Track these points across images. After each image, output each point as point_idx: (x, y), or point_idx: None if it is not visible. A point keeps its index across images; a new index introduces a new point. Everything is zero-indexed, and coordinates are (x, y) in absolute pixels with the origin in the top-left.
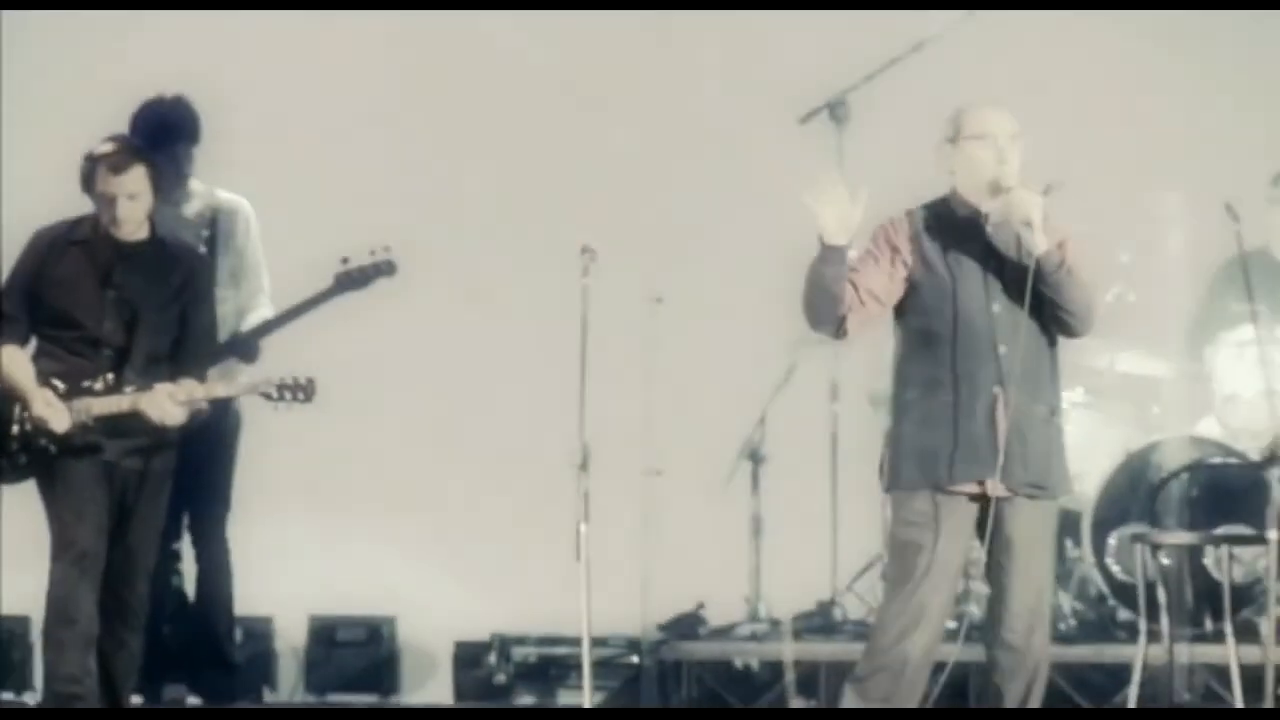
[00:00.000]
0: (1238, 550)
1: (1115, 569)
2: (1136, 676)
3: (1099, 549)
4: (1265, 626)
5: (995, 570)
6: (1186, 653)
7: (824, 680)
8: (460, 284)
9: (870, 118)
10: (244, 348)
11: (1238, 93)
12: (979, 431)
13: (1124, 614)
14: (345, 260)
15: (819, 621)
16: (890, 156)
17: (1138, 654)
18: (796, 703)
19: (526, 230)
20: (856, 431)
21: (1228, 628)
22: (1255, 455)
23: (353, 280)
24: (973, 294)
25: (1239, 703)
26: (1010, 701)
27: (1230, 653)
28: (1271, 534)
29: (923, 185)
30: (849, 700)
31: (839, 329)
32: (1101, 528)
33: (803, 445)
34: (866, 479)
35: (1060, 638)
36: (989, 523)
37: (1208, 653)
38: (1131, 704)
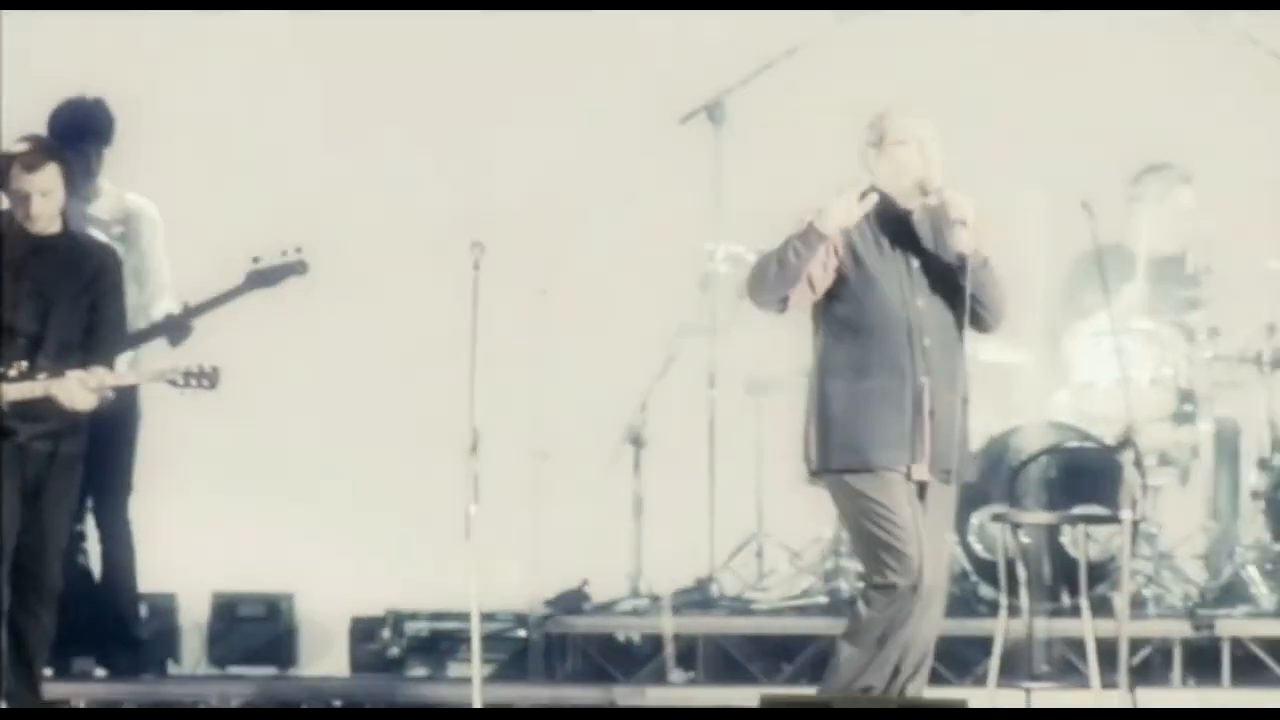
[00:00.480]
0: (1093, 529)
1: (977, 547)
2: (998, 649)
3: (962, 528)
4: (1119, 601)
5: None
6: (1045, 627)
7: (702, 653)
8: (357, 277)
9: (748, 119)
10: (176, 330)
11: (1099, 92)
12: (907, 419)
13: (986, 590)
14: (256, 260)
15: (697, 597)
16: (765, 156)
17: (999, 628)
18: (675, 675)
19: (417, 224)
20: (733, 417)
21: (1084, 603)
22: (1110, 440)
23: (264, 278)
24: (898, 289)
25: (1094, 674)
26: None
27: (1086, 627)
28: (1125, 514)
29: (798, 183)
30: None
31: (783, 305)
32: (964, 508)
33: (682, 430)
34: (743, 462)
35: None
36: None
37: (1065, 627)
38: (993, 675)
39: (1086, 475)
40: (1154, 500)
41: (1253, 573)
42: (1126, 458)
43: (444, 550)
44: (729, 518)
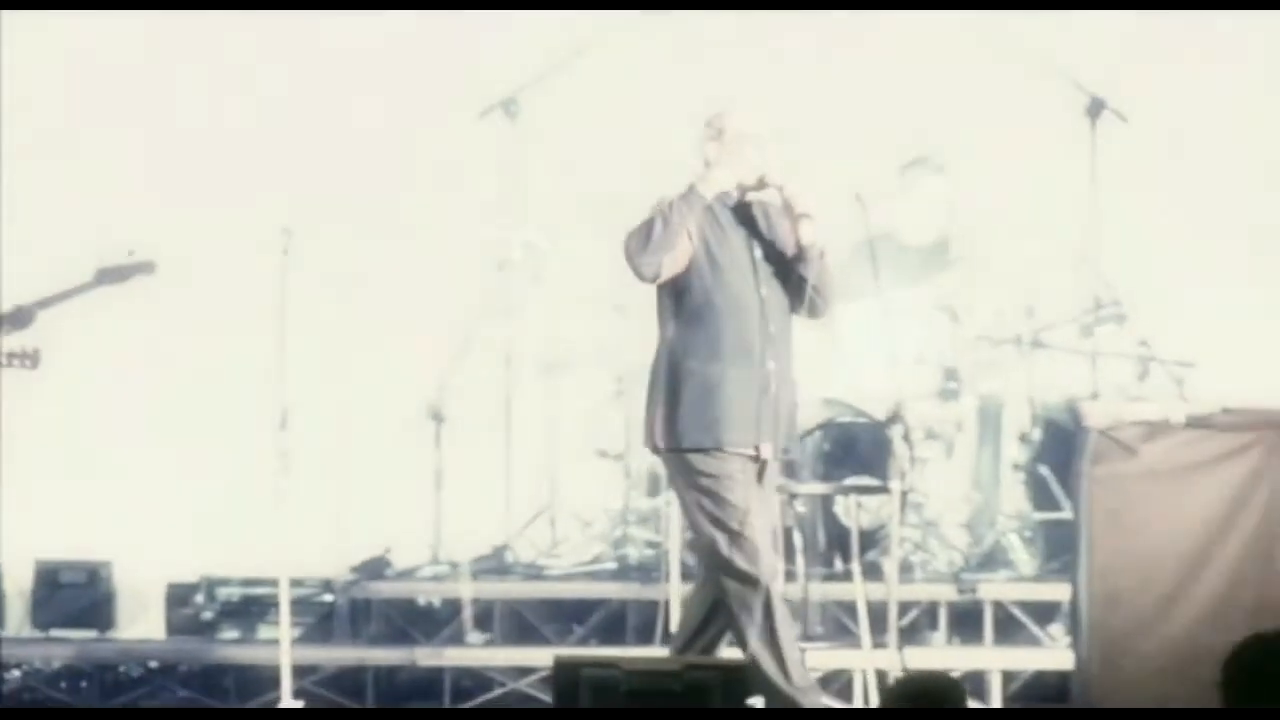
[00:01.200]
0: (864, 499)
1: None
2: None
3: None
4: (888, 566)
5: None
6: (819, 591)
7: (498, 616)
8: (177, 260)
9: (544, 114)
10: (18, 320)
11: (874, 88)
12: (756, 401)
13: None
14: (105, 258)
15: (493, 564)
16: (559, 148)
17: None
18: (473, 636)
19: (231, 209)
20: (528, 395)
21: (856, 568)
22: (880, 415)
23: (112, 275)
24: (744, 277)
25: (865, 635)
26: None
27: (858, 590)
28: (894, 484)
29: (589, 175)
30: (761, 650)
31: (658, 271)
32: None
33: (479, 407)
34: (536, 438)
35: None
36: (763, 481)
37: (838, 590)
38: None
39: (858, 448)
40: (921, 472)
41: (1013, 540)
42: (895, 432)
43: (255, 520)
44: (523, 489)
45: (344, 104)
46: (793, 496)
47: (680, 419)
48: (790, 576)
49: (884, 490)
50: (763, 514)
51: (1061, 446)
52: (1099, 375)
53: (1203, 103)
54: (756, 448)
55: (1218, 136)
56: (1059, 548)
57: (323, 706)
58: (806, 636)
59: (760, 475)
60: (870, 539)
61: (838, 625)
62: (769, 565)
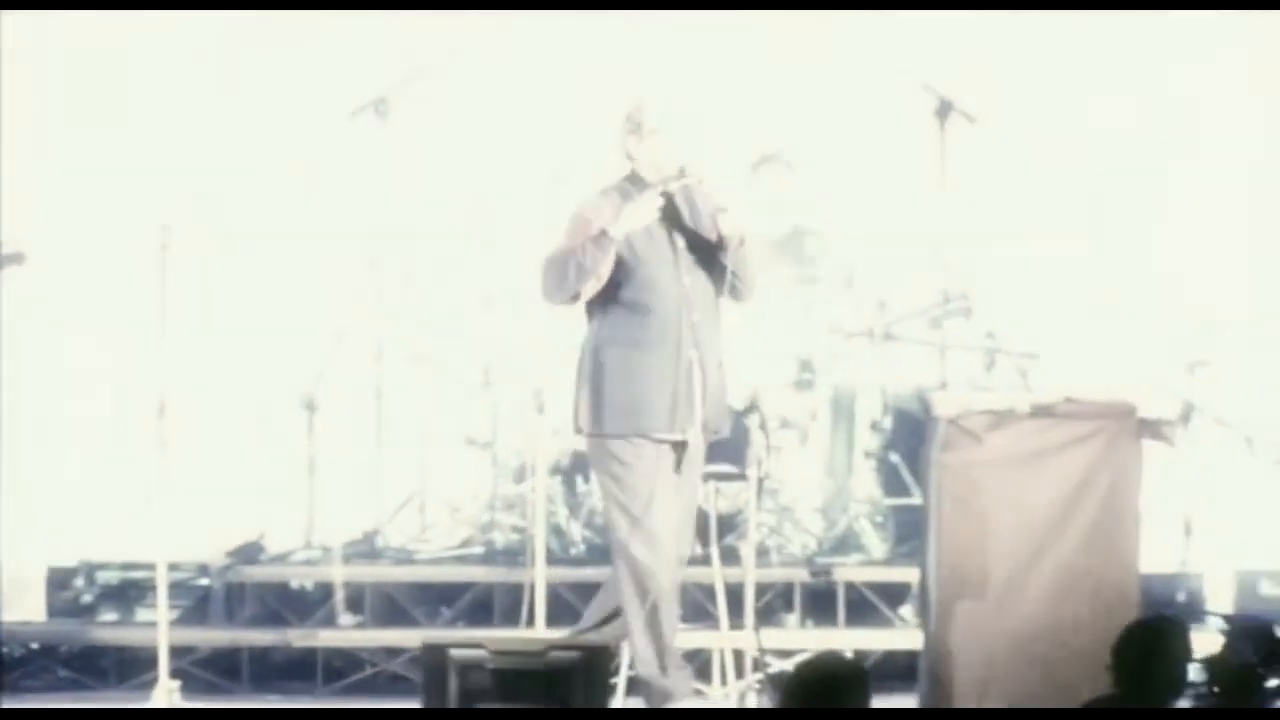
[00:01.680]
0: (723, 485)
1: None
2: (607, 595)
3: None
4: (745, 551)
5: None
6: (680, 573)
7: (369, 599)
8: (64, 254)
9: (416, 113)
10: None
11: (727, 87)
12: (680, 389)
13: None
14: None
15: (364, 549)
16: (430, 148)
17: (623, 576)
18: (345, 618)
19: (110, 207)
20: (398, 386)
21: (714, 552)
22: (737, 405)
23: None
24: (665, 267)
25: (723, 616)
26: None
27: (716, 573)
28: (751, 471)
29: (460, 174)
30: (640, 635)
31: (576, 299)
32: None
33: (351, 397)
34: (406, 426)
35: (571, 561)
36: (681, 465)
37: (698, 574)
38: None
39: (717, 438)
40: (777, 459)
41: (865, 524)
42: (752, 421)
43: (134, 506)
44: (394, 477)
45: (220, 101)
46: None
47: (602, 406)
48: None
49: (741, 477)
50: (677, 501)
51: (911, 435)
52: (947, 366)
53: (1045, 103)
54: (679, 433)
55: (1061, 136)
56: (909, 532)
57: (321, 707)
58: None
59: (680, 461)
60: (728, 524)
61: (697, 607)
62: (668, 556)
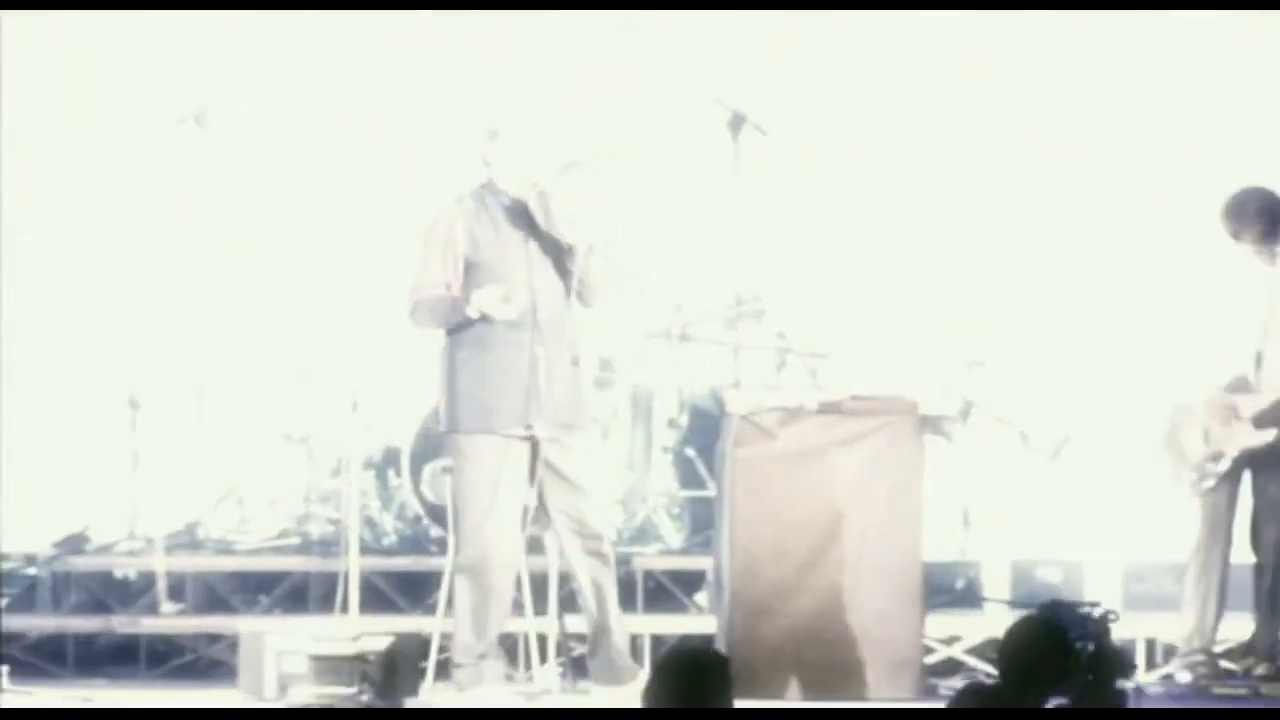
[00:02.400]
0: None
1: (430, 495)
2: (446, 583)
3: (416, 478)
4: (550, 541)
5: (557, 498)
6: None
7: (190, 588)
8: None
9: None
10: None
11: (543, 91)
12: (524, 384)
13: (436, 531)
14: None
15: (186, 539)
16: (247, 159)
17: (447, 564)
18: (167, 606)
19: None
20: (219, 383)
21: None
22: None
23: None
24: (516, 270)
25: (528, 603)
26: (612, 597)
27: (521, 563)
28: None
29: (273, 183)
30: (464, 625)
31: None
32: (417, 461)
33: (173, 394)
34: (226, 422)
35: (383, 551)
36: (537, 460)
37: None
38: (441, 605)
39: None
40: None
41: (662, 516)
42: None
43: None
44: (214, 471)
45: (40, 101)
46: None
47: (456, 404)
48: None
49: None
50: (518, 495)
51: (707, 430)
52: (740, 366)
53: (837, 111)
54: (527, 428)
55: (850, 142)
56: (704, 523)
57: (321, 707)
58: None
59: (533, 455)
60: (533, 516)
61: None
62: (506, 553)
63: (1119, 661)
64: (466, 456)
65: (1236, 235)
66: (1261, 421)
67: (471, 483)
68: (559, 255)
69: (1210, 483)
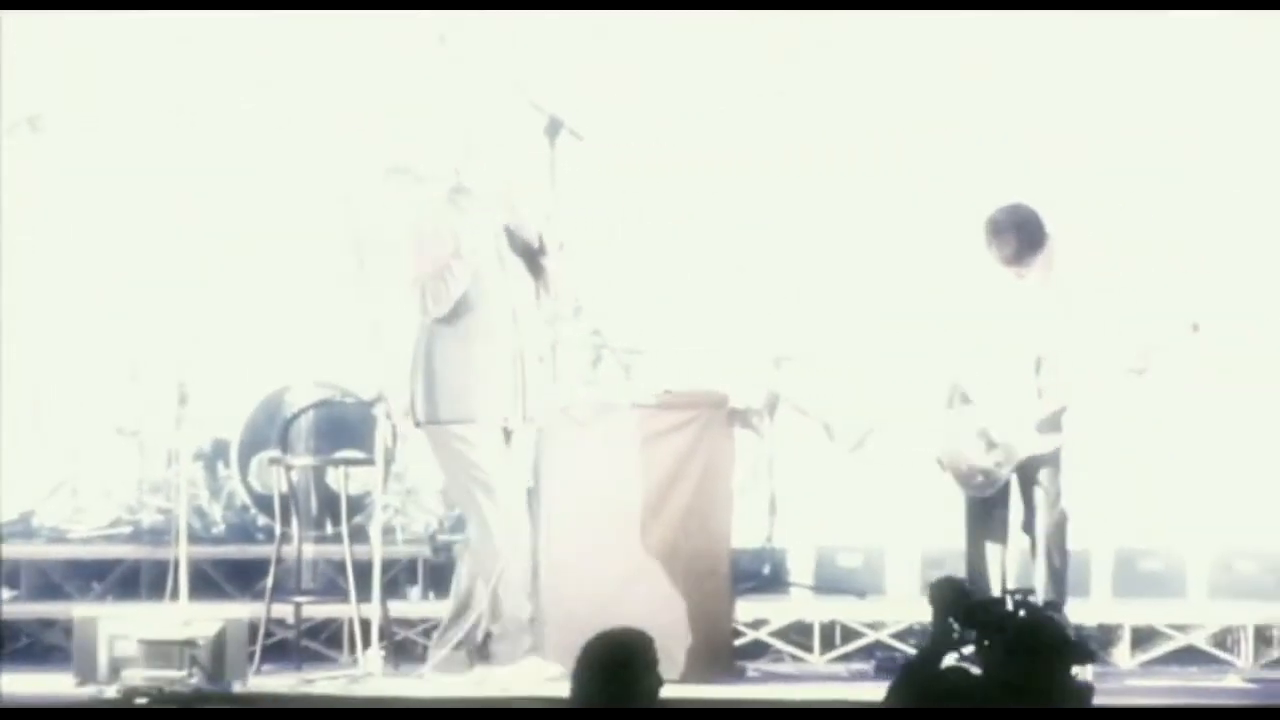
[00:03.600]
0: (352, 470)
1: (256, 485)
2: (272, 570)
3: (244, 469)
4: (373, 530)
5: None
6: (312, 551)
7: (24, 575)
8: None
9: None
10: None
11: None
12: (507, 379)
13: (263, 520)
14: None
15: (20, 528)
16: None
17: (273, 552)
18: (5, 593)
19: None
20: (54, 377)
21: (344, 531)
22: (366, 396)
23: None
24: (492, 266)
25: (352, 589)
26: None
27: (346, 551)
28: (378, 457)
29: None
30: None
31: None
32: (245, 452)
33: (8, 387)
34: (61, 415)
35: (212, 539)
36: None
37: (329, 551)
38: (269, 591)
39: (347, 425)
40: (402, 446)
41: None
42: (380, 410)
43: None
44: (49, 462)
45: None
46: (289, 468)
47: (436, 395)
48: (287, 539)
49: (369, 462)
50: (512, 480)
51: None
52: (558, 361)
53: (652, 115)
54: (505, 419)
55: (662, 145)
56: None
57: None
58: (300, 591)
59: (508, 444)
60: (357, 505)
61: (329, 581)
62: (515, 530)
63: (1055, 641)
64: (465, 440)
65: (988, 246)
66: (1044, 428)
67: (475, 465)
68: (528, 255)
69: (991, 491)
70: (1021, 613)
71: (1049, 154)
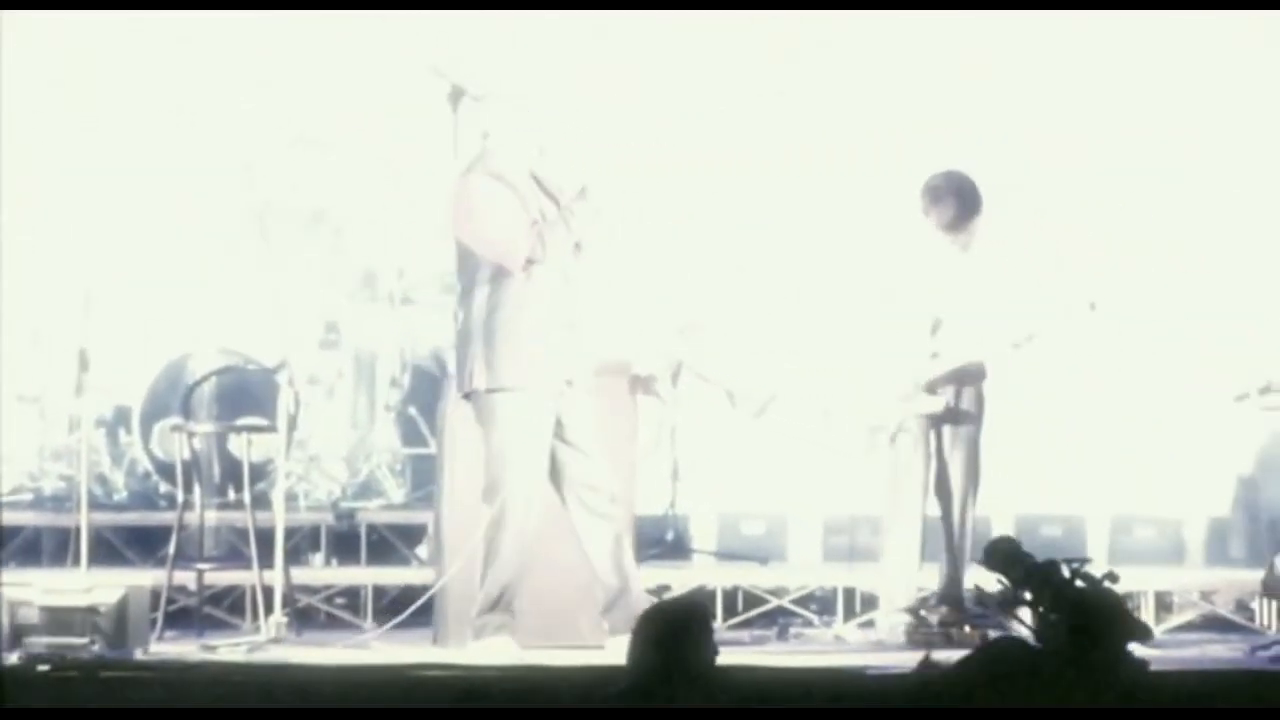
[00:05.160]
0: (255, 437)
1: (159, 453)
2: (174, 537)
3: (146, 436)
4: (276, 496)
5: (569, 459)
6: (214, 518)
7: None
8: None
9: None
10: None
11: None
12: (557, 343)
13: (165, 487)
14: None
15: None
16: None
17: (176, 519)
18: None
19: None
20: None
21: (247, 498)
22: (268, 363)
23: None
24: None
25: (254, 556)
26: (628, 554)
27: (248, 517)
28: (280, 424)
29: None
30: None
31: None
32: (147, 420)
33: None
34: None
35: (114, 506)
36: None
37: (231, 517)
38: (170, 558)
39: (249, 392)
40: (305, 413)
41: (385, 472)
42: (282, 378)
43: None
44: None
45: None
46: (191, 435)
47: (494, 364)
48: (190, 505)
49: (272, 429)
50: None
51: (428, 390)
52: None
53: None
54: (558, 386)
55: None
56: (425, 479)
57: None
58: (203, 558)
59: (559, 412)
60: (260, 472)
61: (231, 549)
62: (539, 500)
63: (1116, 616)
64: (506, 415)
65: (927, 213)
66: (935, 387)
67: (511, 441)
68: (569, 224)
69: (886, 442)
70: (1079, 583)
71: (1049, 152)
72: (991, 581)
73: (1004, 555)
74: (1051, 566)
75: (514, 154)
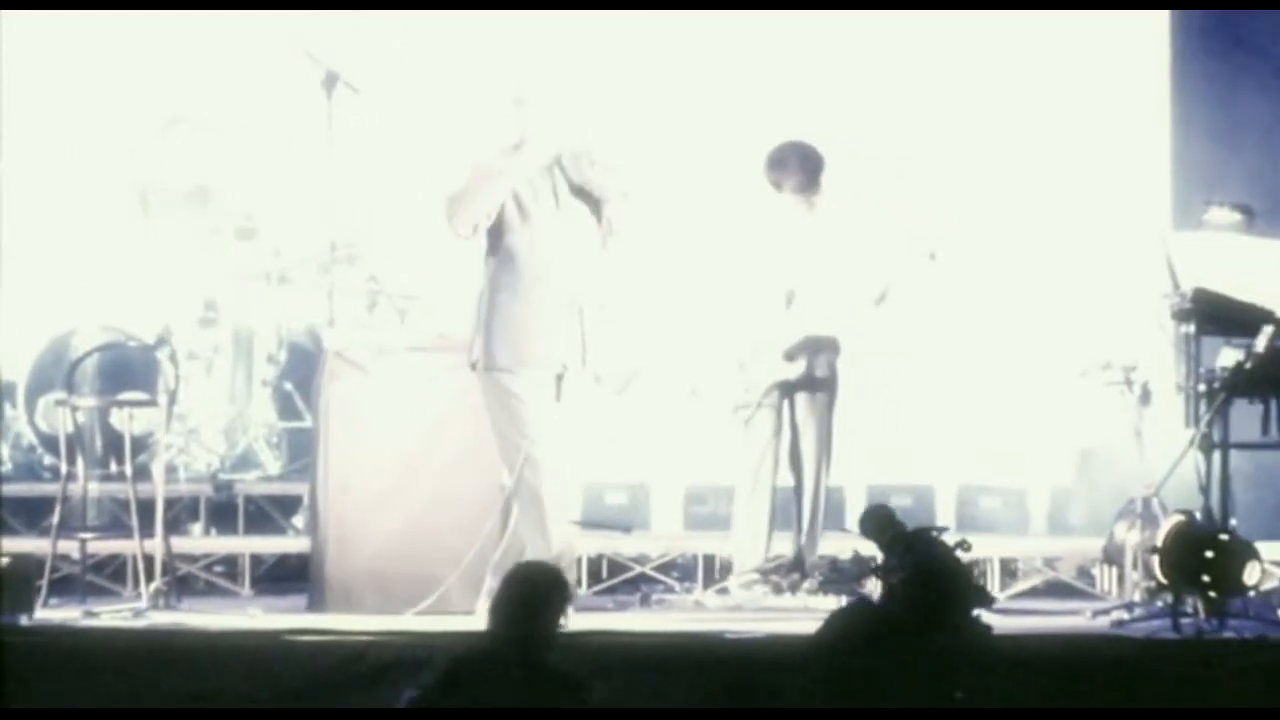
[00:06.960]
0: (136, 411)
1: (43, 426)
2: (58, 507)
3: (30, 410)
4: (156, 468)
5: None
6: (97, 489)
7: None
8: None
9: None
10: None
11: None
12: (560, 327)
13: (49, 460)
14: None
15: None
16: None
17: (60, 490)
18: None
19: None
20: None
21: (128, 470)
22: (149, 339)
23: None
24: (547, 218)
25: (136, 526)
26: None
27: (130, 489)
28: (161, 398)
29: None
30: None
31: (475, 230)
32: (32, 394)
33: None
34: None
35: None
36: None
37: (113, 488)
38: (54, 529)
39: (131, 368)
40: (184, 387)
41: (262, 445)
42: (163, 354)
43: None
44: None
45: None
46: (75, 409)
47: (491, 343)
48: (73, 477)
49: (152, 403)
50: (558, 427)
51: (304, 366)
52: (335, 306)
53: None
54: (559, 366)
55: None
56: (301, 451)
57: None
58: (86, 529)
59: (559, 390)
60: (141, 444)
61: (113, 518)
62: (554, 480)
63: (958, 584)
64: (513, 393)
65: (778, 186)
66: (791, 355)
67: (519, 418)
68: (590, 203)
69: (747, 412)
70: (935, 551)
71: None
72: (868, 548)
73: (877, 521)
74: (917, 534)
75: (539, 146)
